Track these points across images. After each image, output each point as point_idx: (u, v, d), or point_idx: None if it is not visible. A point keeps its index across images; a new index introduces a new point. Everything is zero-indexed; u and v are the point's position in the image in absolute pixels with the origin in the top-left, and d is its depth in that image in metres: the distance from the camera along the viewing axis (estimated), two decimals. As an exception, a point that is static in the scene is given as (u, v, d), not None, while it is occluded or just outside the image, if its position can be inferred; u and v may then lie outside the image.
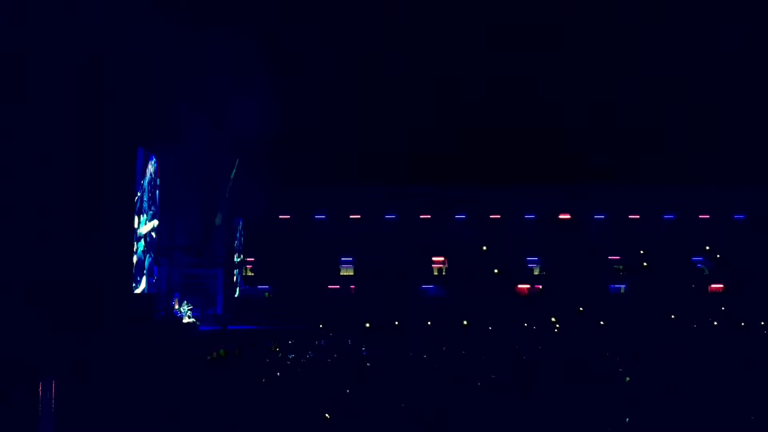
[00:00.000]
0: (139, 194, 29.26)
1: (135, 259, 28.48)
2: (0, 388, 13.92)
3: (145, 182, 30.06)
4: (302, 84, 38.12)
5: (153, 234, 31.45)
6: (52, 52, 21.56)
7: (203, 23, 28.54)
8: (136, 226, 29.06)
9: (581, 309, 38.94)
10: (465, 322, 27.62)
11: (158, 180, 31.59)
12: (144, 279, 30.69)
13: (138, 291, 30.03)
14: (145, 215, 30.18)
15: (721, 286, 43.77)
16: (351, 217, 47.20)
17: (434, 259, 45.78)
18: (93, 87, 23.21)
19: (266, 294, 44.00)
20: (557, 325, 35.64)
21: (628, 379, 18.37)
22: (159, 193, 32.35)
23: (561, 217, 47.31)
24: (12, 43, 20.62)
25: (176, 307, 33.31)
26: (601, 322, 35.96)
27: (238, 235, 43.41)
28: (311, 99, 39.21)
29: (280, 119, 33.72)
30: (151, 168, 30.57)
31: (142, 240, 29.79)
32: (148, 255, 30.52)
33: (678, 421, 13.71)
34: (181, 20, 27.07)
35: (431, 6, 39.38)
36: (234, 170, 39.11)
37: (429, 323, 36.38)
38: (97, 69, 23.27)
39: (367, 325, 34.90)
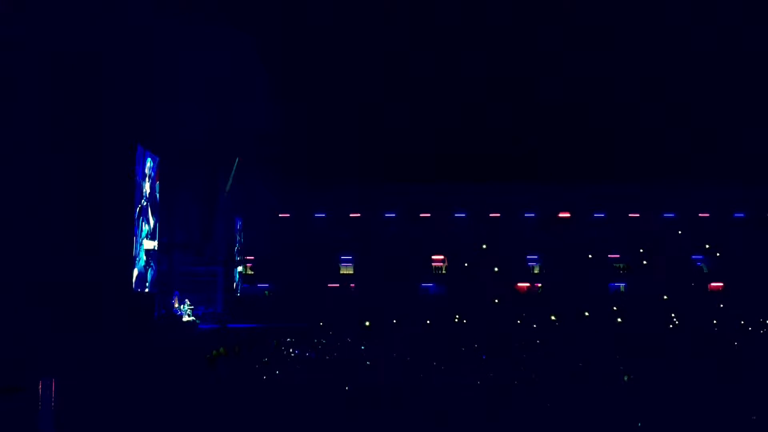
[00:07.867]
0: (142, 204, 29.05)
1: (136, 272, 28.28)
2: (0, 388, 13.95)
3: (145, 191, 29.77)
4: (302, 83, 38.15)
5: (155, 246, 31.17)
6: (51, 51, 21.59)
7: (204, 23, 28.56)
8: (137, 234, 28.84)
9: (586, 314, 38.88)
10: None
11: (158, 185, 31.40)
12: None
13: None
14: (147, 226, 30.01)
15: (721, 284, 43.81)
16: (351, 215, 47.19)
17: (434, 257, 45.79)
18: (93, 86, 23.23)
19: (266, 292, 44.04)
20: (556, 324, 35.66)
21: (627, 377, 18.37)
22: (159, 194, 32.22)
23: (561, 215, 47.35)
24: (12, 42, 20.65)
25: (176, 305, 33.31)
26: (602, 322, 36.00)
27: (237, 233, 43.43)
28: (312, 98, 39.23)
29: (281, 118, 33.75)
30: (149, 168, 30.33)
31: (144, 255, 29.56)
32: (149, 269, 30.36)
33: (678, 420, 13.73)
34: (182, 20, 27.09)
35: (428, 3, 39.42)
36: (234, 168, 39.10)
37: (428, 321, 36.40)
38: (97, 68, 23.29)
39: (367, 323, 34.91)
